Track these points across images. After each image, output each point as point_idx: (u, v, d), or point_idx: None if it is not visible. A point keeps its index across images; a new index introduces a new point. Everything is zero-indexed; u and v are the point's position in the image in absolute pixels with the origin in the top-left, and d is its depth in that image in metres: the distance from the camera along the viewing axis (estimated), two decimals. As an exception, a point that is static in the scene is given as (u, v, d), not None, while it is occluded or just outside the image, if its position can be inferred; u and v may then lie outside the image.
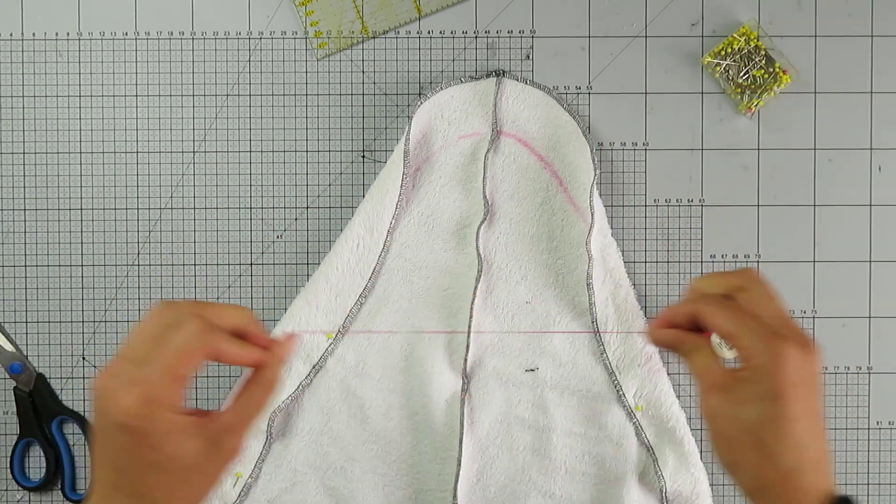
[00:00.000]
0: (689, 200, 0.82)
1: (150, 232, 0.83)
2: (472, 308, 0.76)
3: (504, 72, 0.78)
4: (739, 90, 0.80)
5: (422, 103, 0.77)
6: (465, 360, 0.77)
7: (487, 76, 0.78)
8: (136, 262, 0.83)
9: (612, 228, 0.82)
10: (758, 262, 0.82)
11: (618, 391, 0.77)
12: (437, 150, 0.79)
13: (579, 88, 0.82)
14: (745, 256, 0.82)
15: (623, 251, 0.82)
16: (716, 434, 0.51)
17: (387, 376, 0.79)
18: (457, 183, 0.79)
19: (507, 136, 0.78)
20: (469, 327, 0.77)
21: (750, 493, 0.51)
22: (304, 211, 0.83)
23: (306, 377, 0.79)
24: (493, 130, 0.77)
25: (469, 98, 0.78)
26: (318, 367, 0.79)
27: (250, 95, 0.83)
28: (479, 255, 0.77)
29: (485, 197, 0.78)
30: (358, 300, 0.79)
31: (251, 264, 0.83)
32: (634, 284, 0.82)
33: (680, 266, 0.82)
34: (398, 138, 0.83)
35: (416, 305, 0.79)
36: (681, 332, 0.54)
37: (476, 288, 0.76)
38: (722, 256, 0.82)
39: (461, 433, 0.77)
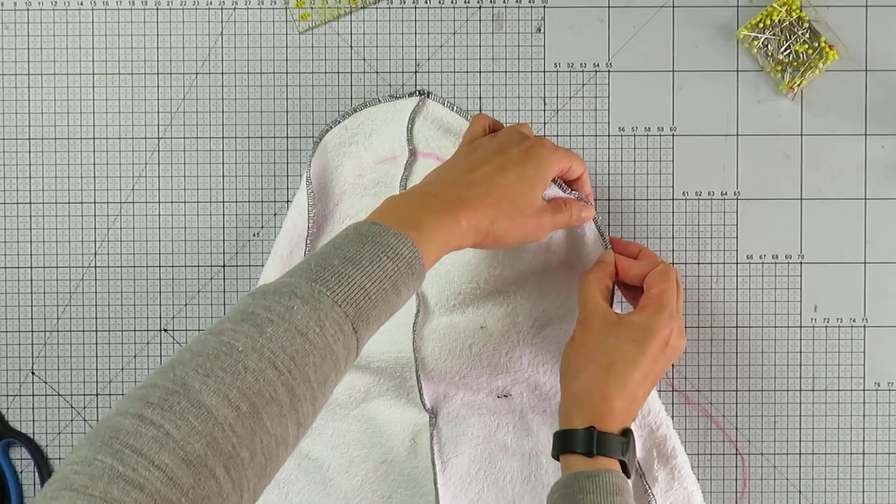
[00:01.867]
0: (722, 193, 0.77)
1: (108, 229, 0.78)
2: (413, 348, 0.72)
3: (429, 92, 0.74)
4: (780, 68, 0.76)
5: (330, 128, 0.73)
6: (422, 397, 0.72)
7: (410, 95, 0.74)
8: (93, 264, 0.78)
9: (634, 225, 0.78)
10: (800, 262, 0.78)
11: None
12: (354, 182, 0.74)
13: (597, 66, 0.78)
14: (785, 257, 0.78)
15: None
16: (583, 338, 0.66)
17: (339, 429, 0.75)
18: None
19: (425, 156, 0.73)
20: (416, 369, 0.72)
21: (572, 395, 0.65)
22: (285, 206, 0.78)
23: None
24: (408, 152, 0.72)
25: (387, 118, 0.74)
26: None
27: (223, 73, 0.78)
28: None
29: None
30: None
31: (224, 266, 0.78)
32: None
33: (712, 269, 0.78)
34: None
35: None
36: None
37: (416, 324, 0.72)
38: (760, 257, 0.78)
39: (434, 473, 0.73)
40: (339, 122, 0.74)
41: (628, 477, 0.65)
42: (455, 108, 0.74)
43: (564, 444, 0.65)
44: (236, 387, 0.46)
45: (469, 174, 0.63)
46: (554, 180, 0.68)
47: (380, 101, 0.74)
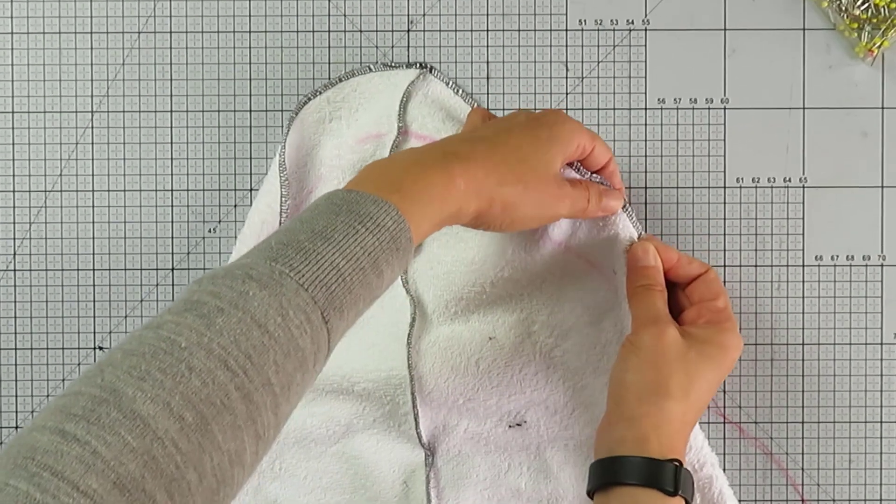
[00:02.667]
0: (785, 180, 0.75)
1: (30, 225, 0.75)
2: (409, 364, 0.71)
3: (432, 67, 0.73)
4: (856, 25, 0.74)
5: (308, 100, 0.73)
6: (418, 427, 0.71)
7: (408, 66, 0.74)
8: (11, 267, 0.75)
9: (677, 219, 0.75)
10: (881, 265, 0.74)
11: None
12: (331, 164, 0.73)
13: (632, 23, 0.74)
14: (863, 258, 0.74)
15: (693, 250, 0.75)
16: (655, 357, 0.63)
17: (315, 470, 0.74)
18: None
19: (418, 137, 0.74)
20: (412, 390, 0.71)
21: (648, 420, 0.62)
22: (248, 195, 0.76)
23: None
24: (397, 129, 0.72)
25: (378, 90, 0.74)
26: None
27: (170, 32, 0.75)
28: (410, 295, 0.72)
29: None
30: None
31: (173, 269, 0.76)
32: (710, 297, 0.76)
33: (772, 272, 0.74)
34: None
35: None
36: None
37: (410, 335, 0.71)
38: (832, 258, 0.74)
39: None
40: (320, 93, 0.73)
41: None
42: (461, 90, 0.72)
43: (650, 476, 0.61)
44: (179, 392, 0.44)
45: (466, 135, 0.62)
46: (575, 167, 0.65)
47: (370, 69, 0.73)
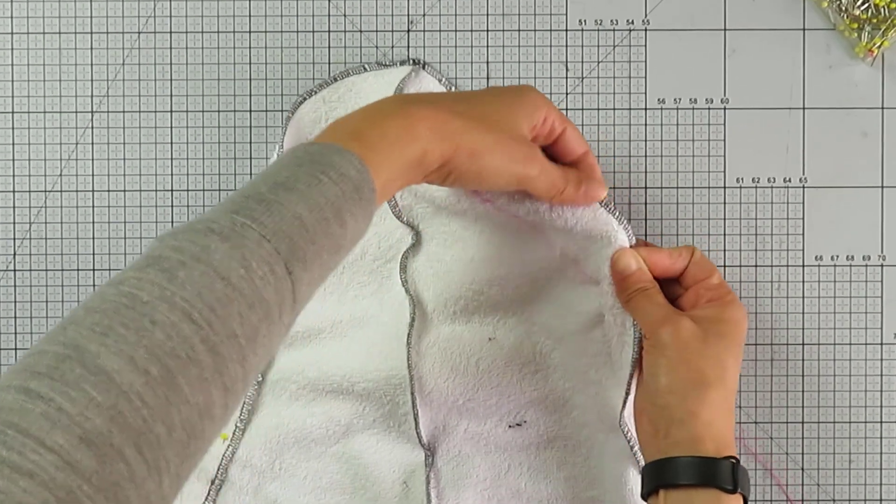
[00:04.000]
0: (785, 180, 0.75)
1: (30, 224, 0.75)
2: (409, 364, 0.71)
3: (425, 63, 0.73)
4: (856, 25, 0.74)
5: (304, 99, 0.72)
6: (418, 427, 0.71)
7: (401, 64, 0.73)
8: (11, 267, 0.75)
9: (677, 219, 0.75)
10: (881, 265, 0.74)
11: (631, 446, 0.70)
12: None
13: (632, 23, 0.74)
14: (863, 258, 0.74)
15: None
16: (679, 352, 0.62)
17: (314, 470, 0.74)
18: None
19: None
20: (412, 390, 0.71)
21: (700, 418, 0.61)
22: None
23: (206, 499, 0.73)
24: None
25: (373, 90, 0.73)
26: (218, 482, 0.74)
27: (171, 33, 0.75)
28: (409, 294, 0.72)
29: (402, 219, 0.73)
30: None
31: None
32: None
33: (772, 272, 0.74)
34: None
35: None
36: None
37: (410, 335, 0.71)
38: (832, 258, 0.74)
39: None
40: (316, 92, 0.72)
41: None
42: (454, 87, 0.72)
43: (707, 475, 0.60)
44: (143, 346, 0.44)
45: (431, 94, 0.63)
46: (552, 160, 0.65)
47: (365, 68, 0.72)
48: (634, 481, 0.70)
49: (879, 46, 0.73)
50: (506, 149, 0.59)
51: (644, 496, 0.62)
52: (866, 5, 0.73)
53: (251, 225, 0.48)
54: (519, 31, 0.74)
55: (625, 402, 0.69)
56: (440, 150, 0.56)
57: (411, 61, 0.73)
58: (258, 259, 0.48)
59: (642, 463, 0.69)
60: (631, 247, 0.68)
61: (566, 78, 0.74)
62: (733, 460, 0.60)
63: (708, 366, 0.62)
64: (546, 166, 0.62)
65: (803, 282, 0.74)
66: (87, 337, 0.44)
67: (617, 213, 0.67)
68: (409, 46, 0.74)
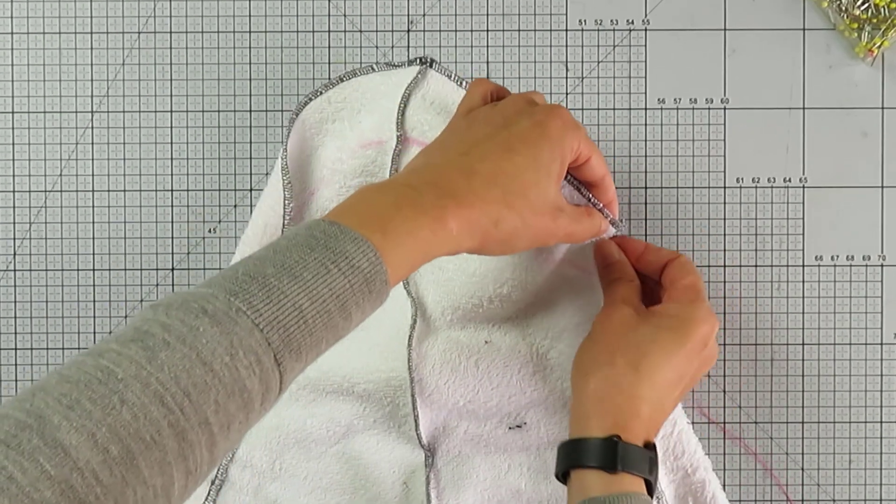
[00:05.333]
0: (785, 180, 0.75)
1: (30, 224, 0.75)
2: (409, 366, 0.71)
3: (433, 61, 0.71)
4: (856, 25, 0.73)
5: (310, 100, 0.71)
6: (418, 429, 0.71)
7: (409, 64, 0.72)
8: (11, 267, 0.75)
9: (677, 219, 0.75)
10: (881, 265, 0.74)
11: None
12: (333, 167, 0.72)
13: (632, 23, 0.74)
14: (863, 258, 0.74)
15: (693, 250, 0.75)
16: (602, 333, 0.64)
17: (315, 471, 0.73)
18: None
19: (418, 143, 0.72)
20: (412, 392, 0.71)
21: (589, 395, 0.62)
22: (247, 195, 0.75)
23: (206, 499, 0.73)
24: (396, 137, 0.71)
25: (380, 92, 0.72)
26: (218, 482, 0.74)
27: (171, 33, 0.75)
28: (411, 296, 0.71)
29: None
30: None
31: (173, 269, 0.76)
32: (710, 297, 0.75)
33: (772, 272, 0.74)
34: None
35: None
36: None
37: (411, 337, 0.71)
38: (832, 258, 0.74)
39: None
40: (321, 93, 0.71)
41: (651, 498, 0.61)
42: (464, 83, 0.70)
43: (576, 456, 0.61)
44: (107, 424, 0.43)
45: (464, 157, 0.57)
46: (571, 181, 0.64)
47: (373, 69, 0.71)
48: None
49: (879, 46, 0.72)
50: (532, 229, 0.58)
51: (559, 475, 0.63)
52: (866, 5, 0.72)
53: (246, 311, 0.47)
54: (519, 31, 0.74)
55: None
56: (467, 245, 0.55)
57: (419, 60, 0.72)
58: (246, 348, 0.47)
59: None
60: (600, 239, 0.68)
61: (566, 78, 0.74)
62: (616, 438, 0.59)
63: (621, 350, 0.62)
64: (569, 230, 0.61)
65: (803, 282, 0.74)
66: (53, 408, 0.43)
67: (620, 226, 0.67)
68: (409, 46, 0.73)
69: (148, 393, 0.44)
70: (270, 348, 0.47)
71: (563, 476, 0.62)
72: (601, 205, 0.64)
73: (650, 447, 0.61)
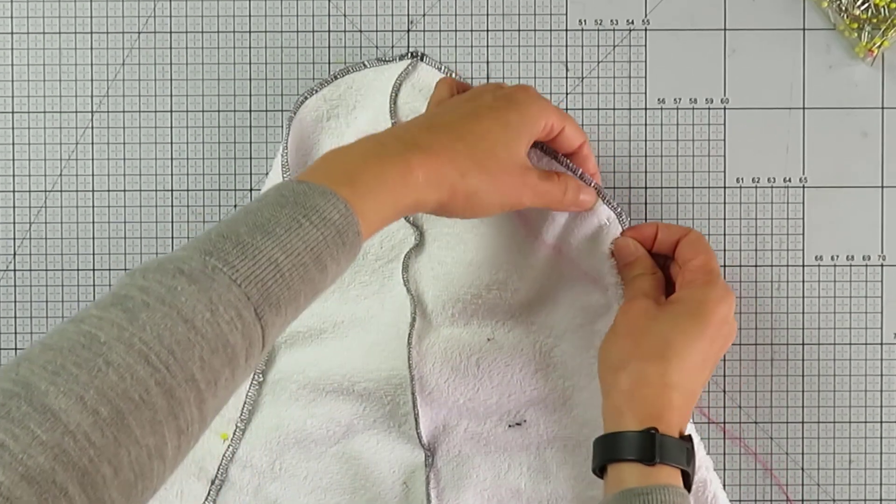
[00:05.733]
0: (785, 180, 0.74)
1: (30, 224, 0.75)
2: (409, 364, 0.71)
3: (423, 55, 0.73)
4: (856, 25, 0.73)
5: (306, 98, 0.72)
6: (418, 428, 0.71)
7: (401, 58, 0.73)
8: (11, 267, 0.75)
9: (676, 219, 0.75)
10: (881, 265, 0.74)
11: None
12: None
13: (632, 23, 0.74)
14: (863, 258, 0.74)
15: None
16: (626, 327, 0.64)
17: (315, 471, 0.73)
18: None
19: None
20: (412, 390, 0.71)
21: (621, 389, 0.62)
22: (248, 195, 0.75)
23: (206, 499, 0.73)
24: (391, 125, 0.72)
25: (374, 87, 0.73)
26: (218, 482, 0.73)
27: (171, 33, 0.75)
28: (410, 294, 0.71)
29: (408, 219, 0.73)
30: (253, 381, 0.73)
31: None
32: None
33: (772, 272, 0.74)
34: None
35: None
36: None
37: (411, 335, 0.71)
38: (832, 258, 0.74)
39: None
40: (317, 91, 0.72)
41: (689, 491, 0.61)
42: (453, 73, 0.71)
43: (613, 449, 0.61)
44: (94, 386, 0.44)
45: (430, 118, 0.60)
46: (548, 151, 0.65)
47: (365, 65, 0.72)
48: None
49: (879, 46, 0.72)
50: (500, 186, 0.59)
51: (596, 470, 0.63)
52: (866, 5, 0.72)
53: (222, 268, 0.48)
54: (519, 31, 0.73)
55: None
56: (435, 197, 0.56)
57: (409, 54, 0.72)
58: (226, 303, 0.47)
59: None
60: (617, 238, 0.68)
61: (566, 78, 0.73)
62: (653, 430, 0.59)
63: (648, 340, 0.62)
64: (538, 189, 0.61)
65: (803, 282, 0.73)
66: (39, 375, 0.44)
67: (614, 204, 0.67)
68: (408, 46, 0.73)
69: (132, 353, 0.44)
70: (250, 302, 0.48)
71: (599, 471, 0.62)
72: (580, 170, 0.65)
73: (686, 438, 0.61)
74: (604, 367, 0.64)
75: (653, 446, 0.59)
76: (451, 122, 0.59)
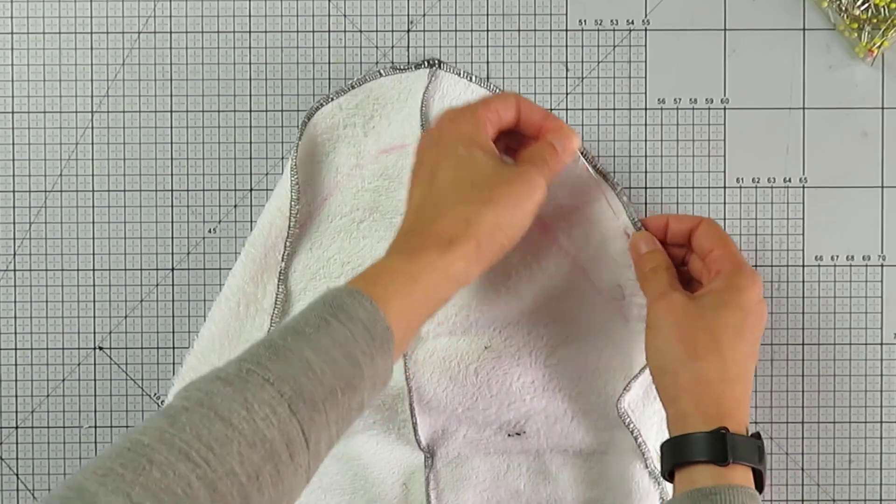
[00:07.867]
0: (785, 180, 0.74)
1: (30, 224, 0.74)
2: (406, 377, 0.70)
3: (440, 62, 0.72)
4: (856, 25, 0.73)
5: (321, 105, 0.71)
6: (417, 434, 0.71)
7: (417, 67, 0.72)
8: (11, 267, 0.74)
9: None
10: (881, 265, 0.73)
11: (635, 437, 0.70)
12: (350, 172, 0.72)
13: (632, 23, 0.74)
14: (863, 258, 0.73)
15: None
16: (669, 326, 0.62)
17: (316, 472, 0.73)
18: (381, 216, 0.72)
19: None
20: (410, 400, 0.70)
21: (683, 390, 0.61)
22: (248, 195, 0.75)
23: None
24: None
25: (392, 97, 0.72)
26: None
27: (171, 33, 0.74)
28: None
29: None
30: None
31: (173, 269, 0.75)
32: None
33: (772, 272, 0.73)
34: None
35: None
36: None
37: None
38: (832, 258, 0.73)
39: None
40: (333, 99, 0.72)
41: (761, 492, 0.60)
42: (475, 77, 0.71)
43: (683, 452, 0.60)
44: (139, 483, 0.46)
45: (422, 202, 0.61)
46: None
47: (381, 73, 0.72)
48: (641, 474, 0.70)
49: (879, 46, 0.72)
50: (508, 198, 0.59)
51: (665, 474, 0.62)
52: (866, 5, 0.72)
53: (255, 370, 0.50)
54: (519, 31, 0.73)
55: (626, 388, 0.68)
56: (477, 272, 0.58)
57: (426, 63, 0.72)
58: (260, 401, 0.49)
59: (648, 454, 0.68)
60: (633, 234, 0.68)
61: (566, 78, 0.73)
62: (723, 430, 0.59)
63: (700, 339, 0.61)
64: (523, 176, 0.61)
65: (803, 282, 0.73)
66: (89, 479, 0.46)
67: (624, 198, 0.67)
68: (409, 46, 0.73)
69: (173, 451, 0.47)
70: (283, 399, 0.50)
71: (668, 475, 0.62)
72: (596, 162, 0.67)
73: (755, 436, 0.61)
74: (657, 370, 0.63)
75: (724, 446, 0.58)
76: (423, 192, 0.60)
